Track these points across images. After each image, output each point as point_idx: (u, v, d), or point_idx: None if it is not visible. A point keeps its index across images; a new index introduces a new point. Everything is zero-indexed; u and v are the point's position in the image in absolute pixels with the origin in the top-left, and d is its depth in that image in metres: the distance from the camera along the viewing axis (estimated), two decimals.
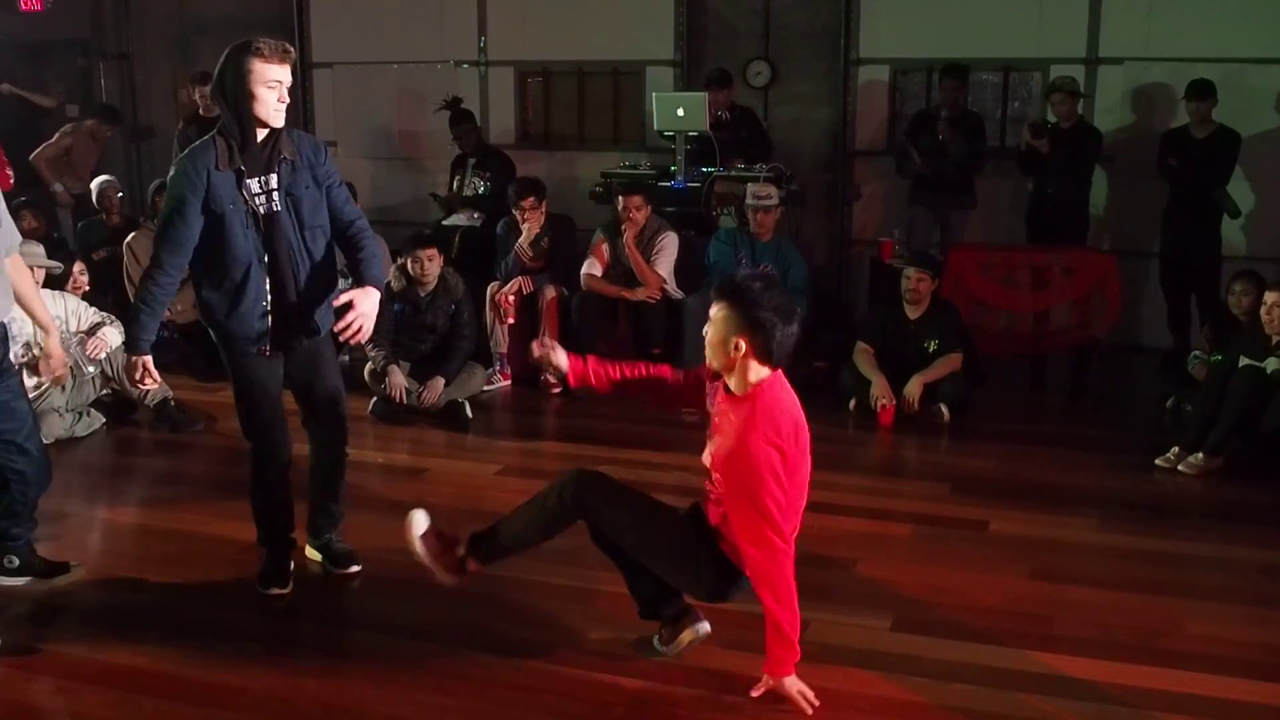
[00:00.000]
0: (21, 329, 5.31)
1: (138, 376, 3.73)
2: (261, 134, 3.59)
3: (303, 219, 3.67)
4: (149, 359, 3.71)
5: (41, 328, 4.14)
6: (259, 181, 3.59)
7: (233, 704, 3.20)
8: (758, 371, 3.10)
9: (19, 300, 3.82)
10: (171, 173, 3.62)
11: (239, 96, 3.50)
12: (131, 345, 3.74)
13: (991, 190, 7.61)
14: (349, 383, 6.51)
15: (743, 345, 3.04)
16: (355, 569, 4.08)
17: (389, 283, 6.16)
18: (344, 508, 4.17)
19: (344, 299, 3.67)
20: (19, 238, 3.77)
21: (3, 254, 3.61)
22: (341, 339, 3.73)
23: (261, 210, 3.61)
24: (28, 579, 3.88)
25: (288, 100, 3.56)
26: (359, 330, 3.67)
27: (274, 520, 3.98)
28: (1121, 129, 7.54)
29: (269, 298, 3.68)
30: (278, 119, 3.56)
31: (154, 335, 3.72)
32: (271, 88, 3.50)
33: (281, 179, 3.62)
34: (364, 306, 3.66)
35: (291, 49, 3.57)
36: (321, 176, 3.71)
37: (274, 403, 3.84)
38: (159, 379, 3.85)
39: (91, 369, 5.70)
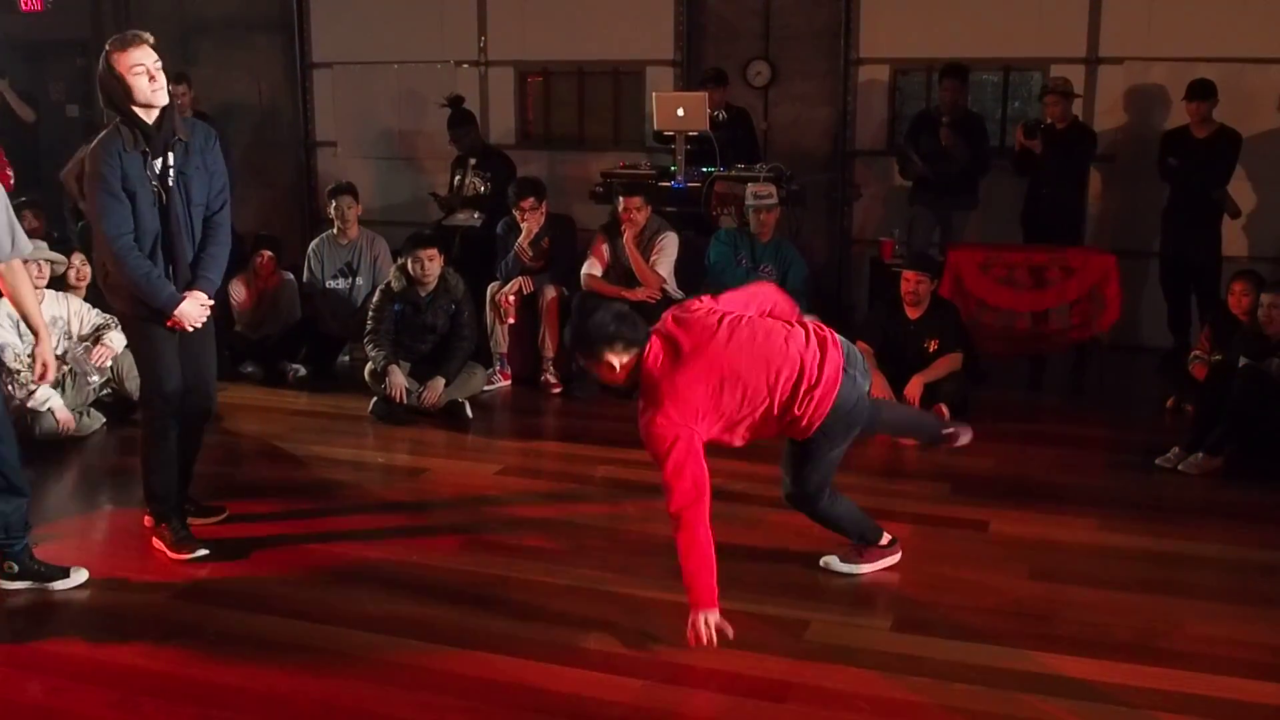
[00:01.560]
0: (7, 339, 5.33)
1: (197, 317, 4.06)
2: (152, 115, 3.91)
3: (190, 197, 4.00)
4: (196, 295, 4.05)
5: (32, 331, 3.95)
6: (160, 161, 3.93)
7: (233, 704, 3.20)
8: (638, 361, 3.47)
9: (16, 304, 3.87)
10: (87, 166, 3.90)
11: (117, 91, 3.86)
12: (170, 303, 3.99)
13: (993, 190, 7.61)
14: (349, 383, 6.59)
15: (615, 361, 3.46)
16: (224, 512, 4.51)
17: (389, 282, 6.17)
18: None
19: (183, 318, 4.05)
20: (29, 245, 3.79)
21: (3, 257, 3.71)
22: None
23: (157, 187, 3.94)
24: (27, 583, 3.87)
25: (161, 79, 3.88)
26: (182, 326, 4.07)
27: (172, 487, 4.24)
28: (1121, 129, 7.54)
29: (166, 270, 4.01)
30: (158, 98, 3.88)
31: (173, 286, 4.01)
32: (137, 73, 3.83)
33: (175, 159, 3.95)
34: (184, 307, 4.02)
35: (145, 34, 3.92)
36: (209, 163, 4.05)
37: (174, 364, 4.12)
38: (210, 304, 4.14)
39: (97, 378, 5.70)
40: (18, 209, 7.57)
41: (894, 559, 4.08)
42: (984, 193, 7.53)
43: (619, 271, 6.56)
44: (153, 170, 3.92)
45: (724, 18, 8.27)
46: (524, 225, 6.69)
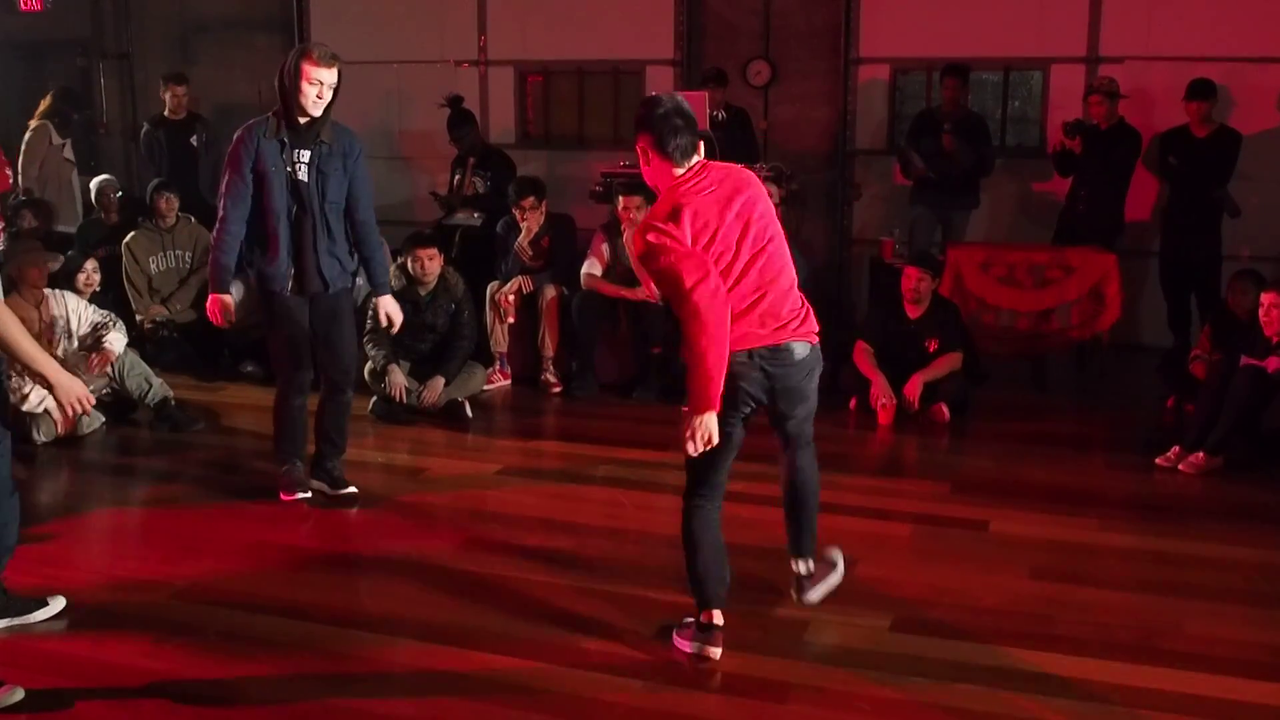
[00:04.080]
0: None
1: (221, 315, 4.53)
2: (303, 120, 4.40)
3: (325, 193, 4.48)
4: (228, 298, 4.54)
5: (39, 375, 3.34)
6: (297, 153, 4.42)
7: (233, 704, 3.20)
8: (665, 171, 3.29)
9: (7, 347, 3.25)
10: (231, 145, 4.44)
11: (288, 88, 4.35)
12: (215, 286, 4.52)
13: (994, 190, 7.61)
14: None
15: (646, 149, 3.28)
16: (352, 490, 4.76)
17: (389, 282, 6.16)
18: (347, 442, 4.89)
19: (381, 312, 4.79)
20: None
21: None
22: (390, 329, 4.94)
23: (294, 176, 4.42)
24: (5, 621, 3.61)
25: (327, 98, 4.39)
26: (391, 325, 4.85)
27: (293, 435, 4.77)
28: None
29: (291, 247, 4.48)
30: (315, 109, 4.39)
31: (231, 276, 4.52)
32: (312, 84, 4.34)
33: (316, 158, 4.44)
34: (388, 309, 4.78)
35: (336, 57, 4.42)
36: (350, 166, 4.54)
37: (298, 336, 4.61)
38: (234, 318, 4.61)
39: (99, 382, 5.67)
40: (17, 209, 7.62)
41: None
42: (984, 192, 7.52)
43: (619, 271, 6.56)
44: (291, 158, 4.41)
45: (724, 18, 8.27)
46: (524, 225, 6.69)
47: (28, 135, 8.43)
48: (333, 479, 4.78)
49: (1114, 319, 6.59)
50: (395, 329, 4.95)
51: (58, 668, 3.40)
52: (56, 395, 3.37)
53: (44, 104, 8.57)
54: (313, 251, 4.50)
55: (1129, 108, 7.25)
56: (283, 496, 4.71)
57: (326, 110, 4.43)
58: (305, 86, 4.31)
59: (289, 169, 4.41)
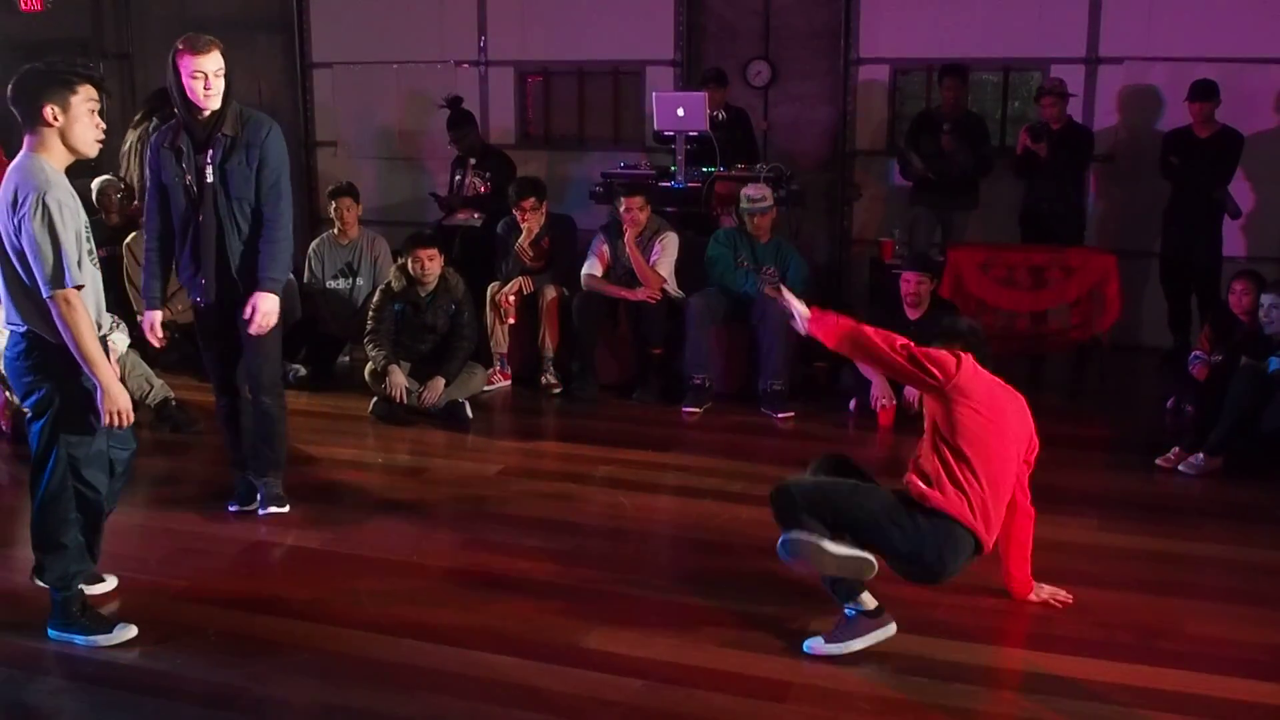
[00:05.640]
0: None
1: (148, 332, 4.39)
2: (203, 116, 4.14)
3: (230, 191, 4.19)
4: (155, 316, 4.39)
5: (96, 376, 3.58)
6: (196, 158, 4.17)
7: (233, 704, 3.20)
8: None
9: (75, 341, 3.56)
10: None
11: (175, 88, 4.13)
12: (147, 304, 4.41)
13: (994, 190, 7.61)
14: (349, 383, 6.59)
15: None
16: (273, 510, 4.57)
17: (389, 282, 6.17)
18: (281, 455, 4.68)
19: (248, 306, 4.24)
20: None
21: None
22: (251, 331, 4.28)
23: (193, 182, 4.18)
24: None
25: (215, 87, 4.09)
26: (262, 327, 4.25)
27: (232, 445, 4.67)
28: (1122, 129, 7.54)
29: (196, 257, 4.27)
30: (209, 102, 4.11)
31: (158, 294, 4.41)
32: (195, 77, 4.06)
33: (215, 155, 4.16)
34: (262, 306, 4.22)
35: (213, 41, 4.12)
36: (252, 158, 4.19)
37: (210, 346, 4.49)
38: (161, 339, 4.45)
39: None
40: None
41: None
42: (984, 193, 7.53)
43: (619, 271, 6.56)
44: (186, 165, 4.17)
45: (724, 18, 8.27)
46: (524, 225, 6.68)
47: (137, 136, 8.39)
48: (261, 496, 4.61)
49: (1114, 319, 6.59)
50: (258, 329, 4.24)
51: (58, 668, 3.41)
52: (104, 401, 3.43)
53: (142, 109, 8.60)
54: (224, 255, 4.23)
55: (1130, 109, 7.25)
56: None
57: (226, 100, 4.14)
58: (189, 82, 4.05)
59: (189, 177, 4.17)
